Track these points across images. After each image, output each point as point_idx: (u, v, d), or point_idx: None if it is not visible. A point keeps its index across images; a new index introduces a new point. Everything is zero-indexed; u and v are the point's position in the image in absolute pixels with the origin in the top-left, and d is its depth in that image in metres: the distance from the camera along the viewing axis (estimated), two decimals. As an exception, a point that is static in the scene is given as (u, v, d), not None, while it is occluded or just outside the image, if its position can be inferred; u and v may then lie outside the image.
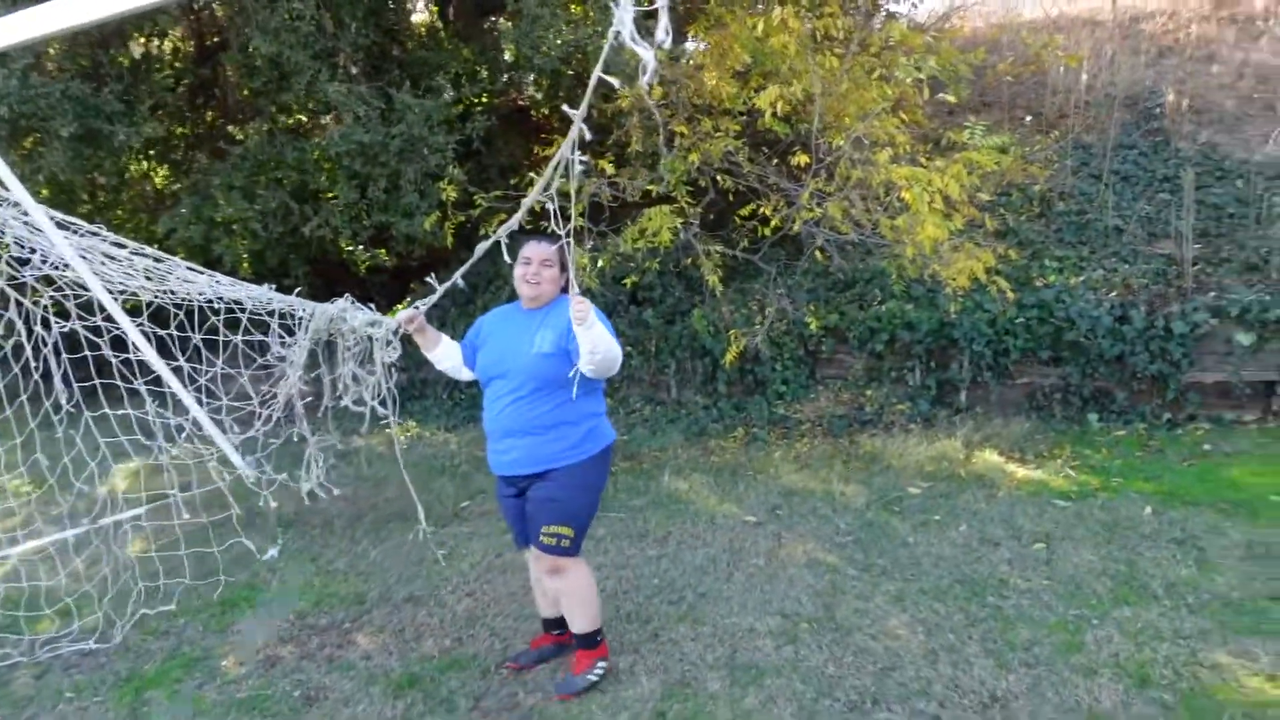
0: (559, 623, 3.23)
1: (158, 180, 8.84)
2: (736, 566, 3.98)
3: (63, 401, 3.44)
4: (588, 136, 2.03)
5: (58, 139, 6.30)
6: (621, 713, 2.88)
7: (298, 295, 3.29)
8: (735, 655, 3.20)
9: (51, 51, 6.92)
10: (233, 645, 3.55)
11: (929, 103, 6.32)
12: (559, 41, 6.83)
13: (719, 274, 6.00)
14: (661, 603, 3.64)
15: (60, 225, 2.89)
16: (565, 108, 1.88)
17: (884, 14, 7.47)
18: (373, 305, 3.26)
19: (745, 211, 6.21)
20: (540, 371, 2.79)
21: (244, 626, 3.72)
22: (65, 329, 3.37)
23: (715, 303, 6.54)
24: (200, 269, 3.26)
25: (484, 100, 8.11)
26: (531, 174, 6.53)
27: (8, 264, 3.22)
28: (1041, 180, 7.10)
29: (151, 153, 8.29)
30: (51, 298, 3.37)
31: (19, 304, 3.40)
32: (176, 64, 7.96)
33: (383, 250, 7.80)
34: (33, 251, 3.14)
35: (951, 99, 6.05)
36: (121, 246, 3.11)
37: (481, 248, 2.77)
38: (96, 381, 3.51)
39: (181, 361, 3.54)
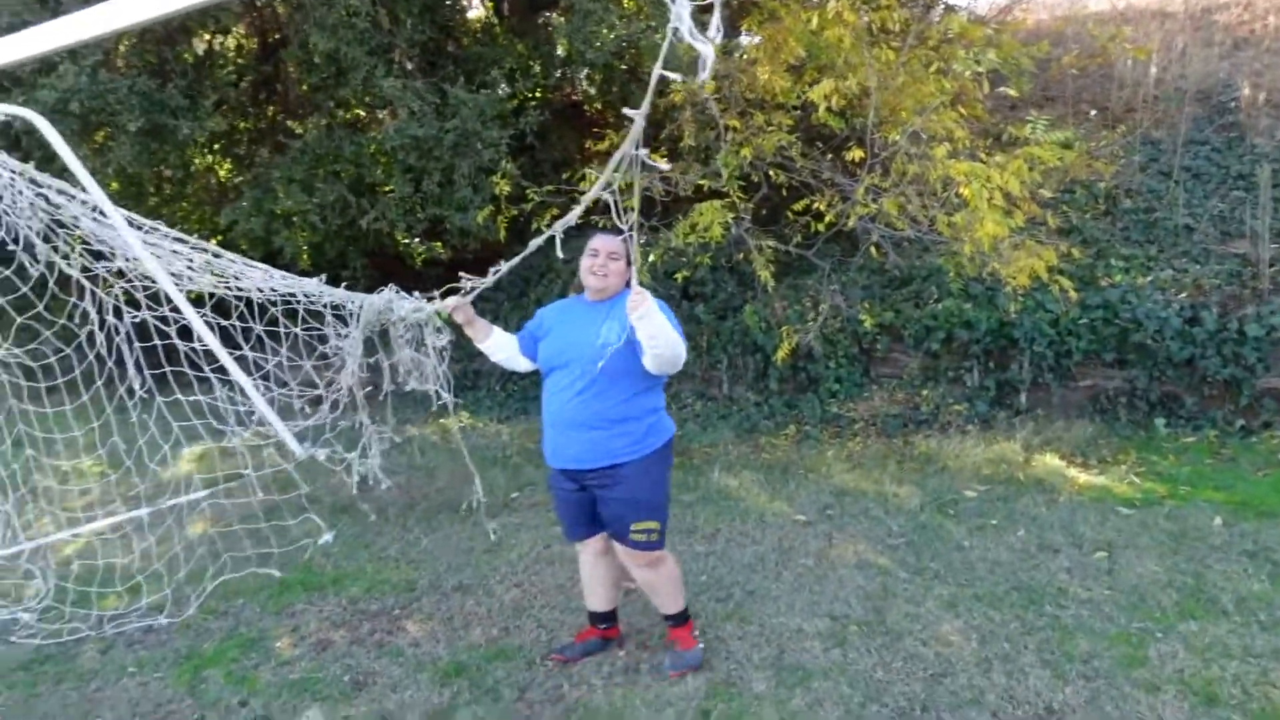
0: (607, 617, 3.24)
1: (221, 174, 9.09)
2: (785, 566, 3.94)
3: (136, 387, 3.56)
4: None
5: (125, 133, 6.52)
6: (666, 709, 2.87)
7: (354, 288, 3.36)
8: (782, 656, 3.16)
9: (120, 49, 7.14)
10: (287, 628, 3.63)
11: (989, 97, 6.15)
12: (611, 36, 6.83)
13: (771, 269, 5.94)
14: (709, 600, 3.61)
15: (128, 222, 2.98)
16: (626, 109, 1.86)
17: (943, 6, 7.30)
18: (426, 295, 3.29)
19: (798, 207, 6.13)
20: (609, 364, 2.77)
21: (298, 610, 3.81)
22: (137, 320, 3.48)
23: (768, 298, 6.47)
24: (255, 264, 3.34)
25: (537, 95, 8.16)
26: (585, 170, 6.54)
27: (81, 256, 3.33)
28: (1107, 177, 6.87)
29: (215, 147, 8.53)
30: (122, 289, 3.49)
31: (94, 294, 3.52)
32: (239, 60, 8.18)
33: (438, 243, 7.90)
34: (103, 244, 3.25)
35: (1013, 93, 5.87)
36: (183, 242, 3.20)
37: (536, 242, 2.78)
38: (167, 369, 3.64)
39: (246, 350, 3.65)
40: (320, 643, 3.49)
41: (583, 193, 6.79)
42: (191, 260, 3.22)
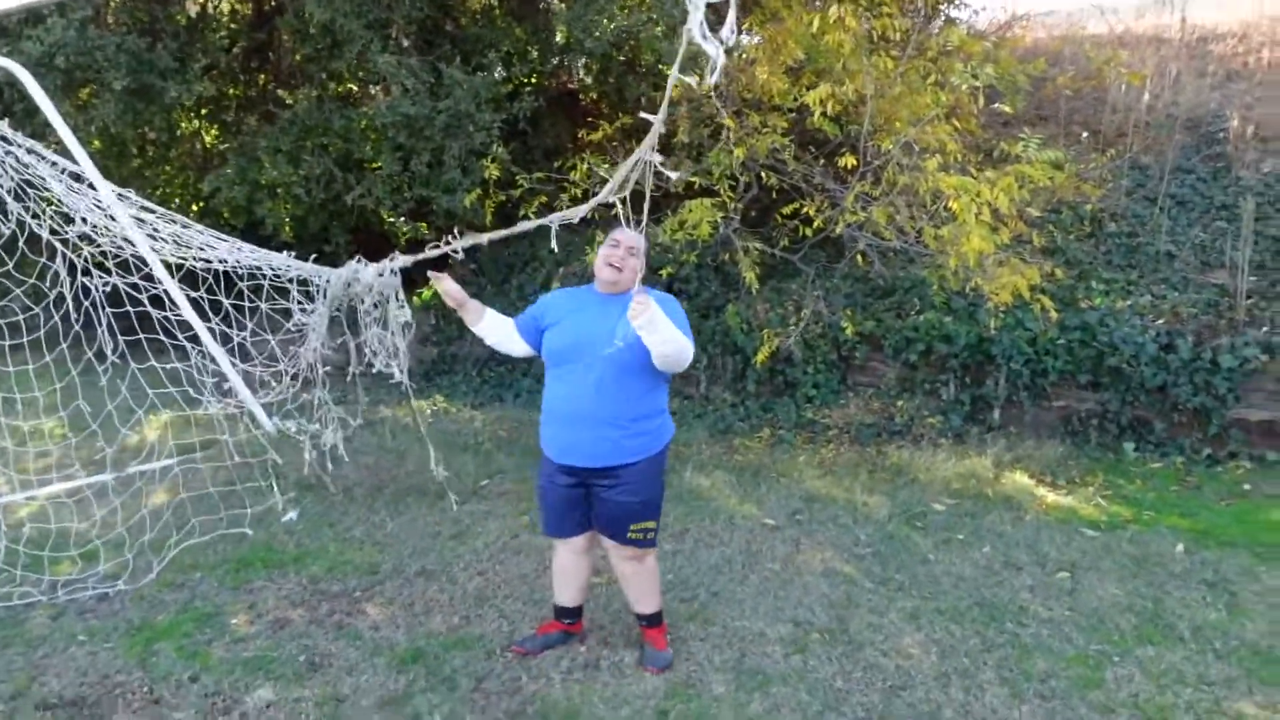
0: (574, 612, 3.21)
1: (207, 140, 8.95)
2: (752, 569, 3.93)
3: (108, 352, 3.50)
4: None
5: (110, 92, 6.39)
6: (623, 707, 2.85)
7: (335, 263, 3.32)
8: (743, 659, 3.15)
9: (111, 5, 7.00)
10: (245, 604, 3.58)
11: (983, 112, 6.17)
12: (611, 26, 6.79)
13: (756, 271, 5.93)
14: (673, 599, 3.60)
15: (91, 186, 2.94)
16: (644, 113, 1.84)
17: (943, 18, 7.32)
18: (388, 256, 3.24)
19: (788, 210, 6.13)
20: (626, 360, 2.73)
21: (257, 586, 3.75)
22: (108, 288, 3.43)
23: (751, 300, 6.47)
24: (222, 236, 3.29)
25: (533, 81, 8.09)
26: (575, 159, 6.50)
27: (51, 219, 3.27)
28: (1094, 199, 6.92)
29: (203, 112, 8.40)
30: (91, 253, 3.43)
31: (64, 256, 3.46)
32: (232, 25, 8.04)
33: (423, 224, 7.82)
34: (74, 210, 3.19)
35: (1007, 109, 5.90)
36: (150, 211, 3.15)
37: (526, 225, 2.74)
38: (141, 336, 3.59)
39: (215, 323, 3.61)
40: (277, 621, 3.44)
41: (572, 182, 6.76)
42: (157, 229, 3.16)
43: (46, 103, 3.57)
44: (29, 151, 2.97)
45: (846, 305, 6.41)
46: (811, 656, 3.17)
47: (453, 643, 3.25)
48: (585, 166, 6.30)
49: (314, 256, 3.50)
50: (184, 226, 3.19)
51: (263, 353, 3.72)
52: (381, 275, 3.15)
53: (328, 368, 3.45)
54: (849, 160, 5.63)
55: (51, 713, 2.80)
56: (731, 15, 1.33)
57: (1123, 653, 3.21)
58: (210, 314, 3.56)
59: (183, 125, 8.38)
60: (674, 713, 2.82)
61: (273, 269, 3.27)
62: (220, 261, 3.26)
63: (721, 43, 1.38)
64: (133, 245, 3.29)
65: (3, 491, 4.47)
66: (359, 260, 3.20)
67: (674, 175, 2.20)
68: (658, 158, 1.99)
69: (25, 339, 3.79)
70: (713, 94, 5.79)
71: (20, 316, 3.79)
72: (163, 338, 3.65)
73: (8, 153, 3.03)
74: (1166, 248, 6.59)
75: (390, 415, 6.61)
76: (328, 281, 3.20)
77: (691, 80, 1.62)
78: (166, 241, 3.17)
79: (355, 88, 8.10)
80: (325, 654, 3.19)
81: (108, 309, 3.54)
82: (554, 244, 2.62)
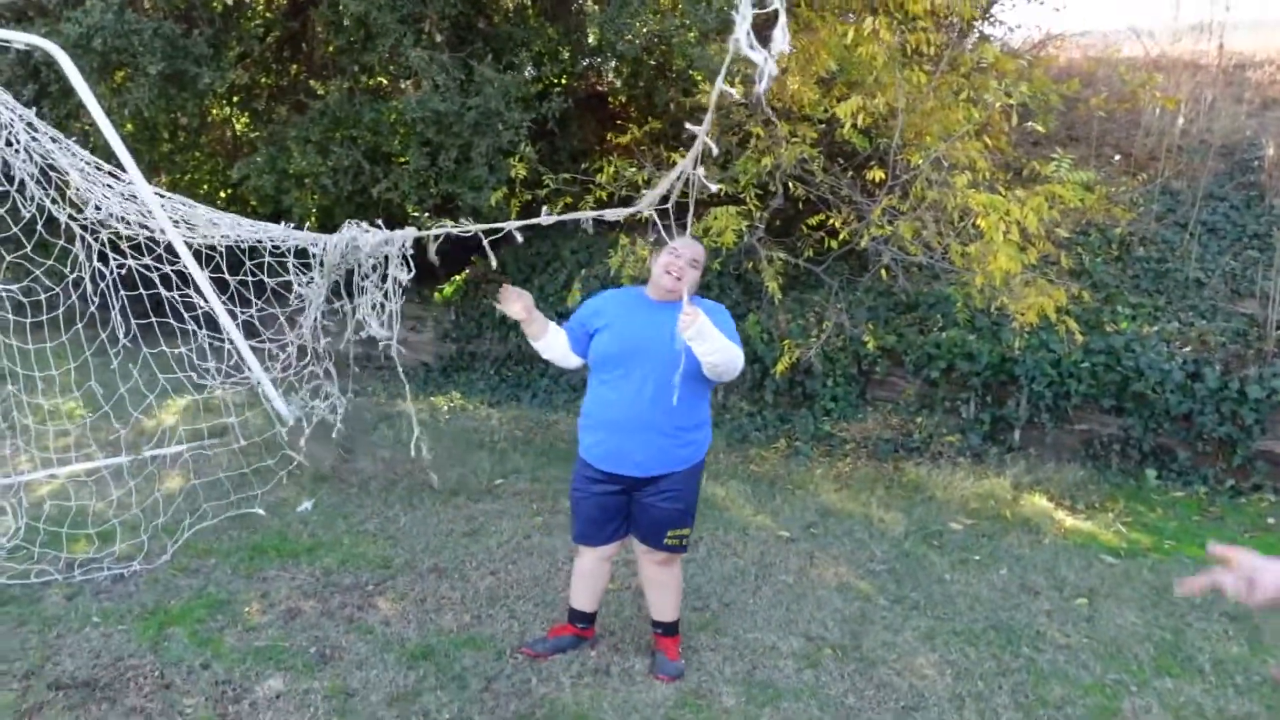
0: (589, 617, 3.19)
1: (238, 127, 9.01)
2: (765, 581, 3.90)
3: (120, 335, 3.53)
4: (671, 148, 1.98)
5: (145, 76, 6.44)
6: (632, 714, 2.83)
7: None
8: (754, 672, 3.13)
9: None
10: (258, 592, 3.59)
11: (1015, 130, 6.12)
12: (644, 30, 6.78)
13: (779, 281, 5.90)
14: (685, 609, 3.55)
15: (120, 167, 2.98)
16: (689, 125, 1.83)
17: (977, 34, 7.26)
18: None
19: (813, 221, 6.09)
20: (684, 368, 2.69)
21: (270, 575, 3.76)
22: (123, 271, 3.47)
23: (773, 310, 6.44)
24: (222, 214, 3.33)
25: (563, 81, 8.10)
26: (602, 162, 6.49)
27: (69, 205, 3.31)
28: (1124, 223, 6.85)
29: (235, 99, 8.45)
30: (109, 236, 3.47)
31: (82, 239, 3.50)
32: (267, 14, 8.10)
33: (448, 220, 7.82)
34: (91, 196, 3.25)
35: (1039, 129, 5.84)
36: (161, 195, 3.20)
37: (551, 218, 2.74)
38: (153, 320, 3.61)
39: (224, 300, 3.65)
40: (290, 611, 3.44)
41: (599, 184, 6.74)
42: (176, 210, 3.20)
43: (82, 84, 3.60)
44: (53, 140, 3.02)
45: (869, 319, 6.36)
46: (824, 672, 3.13)
47: (463, 641, 3.24)
48: (612, 169, 6.29)
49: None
50: (190, 206, 3.24)
51: (269, 328, 3.76)
52: (387, 244, 3.14)
53: (328, 339, 3.46)
54: (877, 174, 5.59)
55: (64, 693, 2.80)
56: (782, 21, 1.31)
57: (1141, 683, 3.16)
58: (219, 292, 3.61)
59: (214, 112, 8.45)
60: (683, 723, 2.80)
61: (272, 240, 3.29)
62: (223, 238, 3.29)
63: (772, 54, 1.36)
64: (148, 230, 3.33)
65: (24, 469, 4.50)
66: (358, 224, 3.18)
67: (713, 187, 2.18)
68: (701, 170, 1.97)
69: (45, 316, 3.83)
70: (735, 101, 5.77)
71: (42, 296, 3.83)
72: (173, 321, 3.69)
73: (33, 139, 3.07)
74: (1196, 274, 6.51)
75: (408, 409, 6.61)
76: (323, 249, 3.19)
77: (732, 92, 1.60)
78: (181, 223, 3.22)
79: (386, 81, 8.13)
80: (336, 646, 3.18)
81: (122, 291, 3.58)
82: (588, 226, 2.61)
